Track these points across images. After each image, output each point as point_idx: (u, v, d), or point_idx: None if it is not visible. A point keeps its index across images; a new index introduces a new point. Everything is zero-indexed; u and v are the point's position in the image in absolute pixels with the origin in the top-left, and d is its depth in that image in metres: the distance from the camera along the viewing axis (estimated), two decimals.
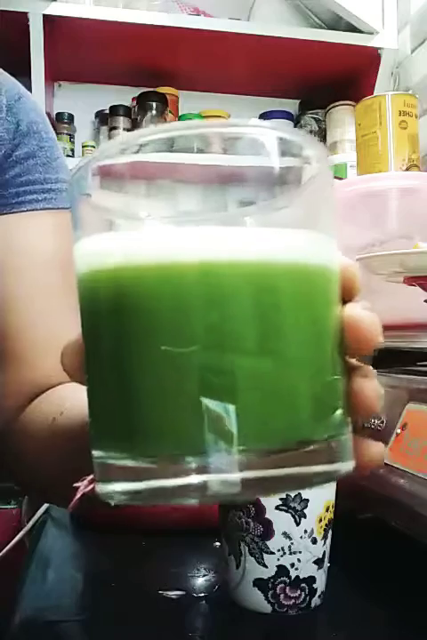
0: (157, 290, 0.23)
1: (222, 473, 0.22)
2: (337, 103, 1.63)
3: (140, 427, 0.24)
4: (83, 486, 0.31)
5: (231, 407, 0.22)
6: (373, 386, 0.27)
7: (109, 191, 0.26)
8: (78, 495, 0.31)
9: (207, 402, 0.22)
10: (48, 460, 0.45)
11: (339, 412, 0.25)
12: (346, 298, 0.27)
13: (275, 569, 0.46)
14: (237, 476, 0.22)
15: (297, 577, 0.46)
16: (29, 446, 0.48)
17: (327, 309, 0.25)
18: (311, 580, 0.46)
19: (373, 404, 0.26)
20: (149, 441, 0.23)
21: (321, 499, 0.46)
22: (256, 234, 0.24)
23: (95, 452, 0.26)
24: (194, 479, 0.22)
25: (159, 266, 0.23)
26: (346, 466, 0.25)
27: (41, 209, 0.54)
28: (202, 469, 0.22)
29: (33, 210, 0.54)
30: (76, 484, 0.31)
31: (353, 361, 0.27)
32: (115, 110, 1.57)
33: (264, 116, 1.67)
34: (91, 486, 0.26)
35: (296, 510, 0.45)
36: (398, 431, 0.50)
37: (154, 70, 1.60)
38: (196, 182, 0.27)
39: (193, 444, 0.23)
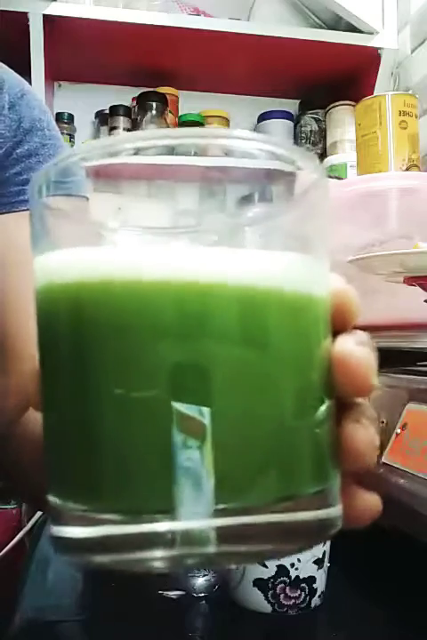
0: (117, 312, 0.20)
1: (195, 527, 0.19)
2: (337, 103, 1.63)
3: (100, 475, 0.20)
4: None
5: (205, 458, 0.19)
6: (366, 434, 0.23)
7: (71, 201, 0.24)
8: None
9: (178, 451, 0.19)
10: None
11: (326, 462, 0.22)
12: (340, 327, 0.23)
13: (275, 569, 0.46)
14: (211, 532, 0.19)
15: (297, 577, 0.46)
16: (28, 448, 0.48)
17: (314, 344, 0.22)
18: (311, 580, 0.46)
19: (364, 455, 0.23)
20: (109, 496, 0.20)
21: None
22: (230, 254, 0.20)
23: (50, 496, 0.22)
24: (161, 530, 0.19)
25: (119, 284, 0.20)
26: (333, 519, 0.22)
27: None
28: (171, 532, 0.19)
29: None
30: None
31: (348, 400, 0.24)
32: (115, 110, 1.57)
33: (264, 116, 1.67)
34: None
35: None
36: (398, 431, 0.50)
37: (154, 70, 1.60)
38: (177, 187, 0.25)
39: (162, 499, 0.19)
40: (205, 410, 0.19)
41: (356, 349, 0.23)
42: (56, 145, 0.56)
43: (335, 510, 0.22)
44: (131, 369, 0.20)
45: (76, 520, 0.21)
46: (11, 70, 0.57)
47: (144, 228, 0.24)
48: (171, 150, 0.21)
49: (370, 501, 0.25)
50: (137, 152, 0.21)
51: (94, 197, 0.24)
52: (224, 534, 0.19)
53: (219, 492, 0.19)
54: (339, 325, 0.23)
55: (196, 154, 0.21)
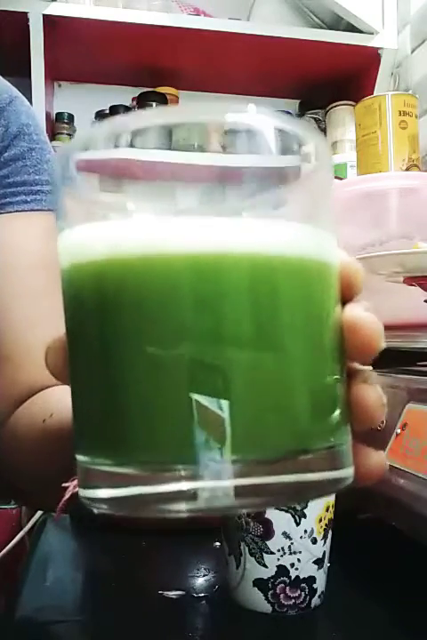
0: (143, 284, 0.21)
1: (214, 483, 0.21)
2: (337, 103, 1.63)
3: (127, 432, 0.22)
4: (71, 486, 0.31)
5: (224, 413, 0.21)
6: (374, 393, 0.25)
7: (96, 179, 0.24)
8: (67, 496, 0.31)
9: (199, 407, 0.21)
10: (37, 463, 0.45)
11: (338, 419, 0.24)
12: (347, 297, 0.25)
13: (275, 569, 0.46)
14: (229, 485, 0.21)
15: (297, 577, 0.46)
16: (18, 449, 0.48)
17: (326, 308, 0.24)
18: (311, 580, 0.46)
19: (374, 412, 0.25)
20: (135, 447, 0.22)
21: (321, 499, 0.46)
22: (250, 225, 0.22)
23: (79, 457, 0.24)
24: (184, 489, 0.21)
25: (146, 258, 0.21)
26: (345, 476, 0.24)
27: (29, 210, 0.54)
28: (192, 479, 0.21)
29: (21, 211, 0.54)
30: (64, 484, 0.30)
31: (355, 365, 0.26)
32: (115, 110, 1.57)
33: None
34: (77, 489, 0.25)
35: (296, 510, 0.45)
36: (398, 431, 0.50)
37: (154, 70, 1.60)
38: (190, 177, 0.26)
39: (183, 452, 0.21)
40: (226, 369, 0.21)
41: (364, 314, 0.24)
42: (44, 149, 0.56)
43: (347, 469, 0.24)
44: (155, 332, 0.21)
45: (102, 476, 0.23)
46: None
47: (165, 206, 0.25)
48: (200, 130, 0.23)
49: (377, 459, 0.26)
50: (135, 134, 0.22)
51: (116, 180, 0.25)
52: (242, 489, 0.21)
53: (237, 443, 0.21)
54: (346, 295, 0.25)
55: (203, 130, 0.23)
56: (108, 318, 0.22)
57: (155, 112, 0.22)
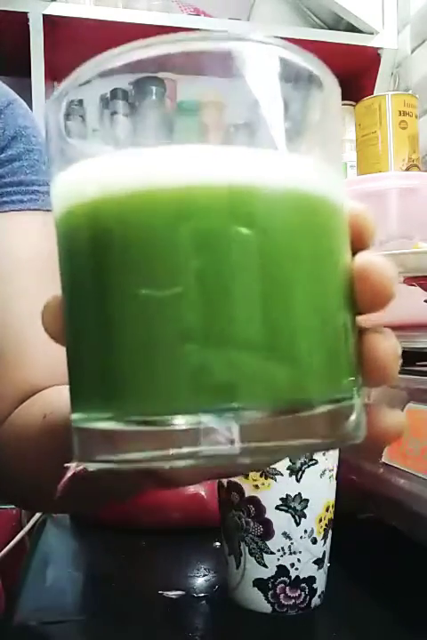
0: (137, 223, 0.20)
1: (217, 433, 0.19)
2: None
3: (124, 383, 0.21)
4: (73, 466, 0.31)
5: (226, 360, 0.20)
6: (389, 344, 0.23)
7: (85, 121, 0.24)
8: (69, 474, 0.31)
9: (199, 354, 0.20)
10: (36, 462, 0.45)
11: (349, 371, 0.22)
12: (358, 247, 0.24)
13: (275, 569, 0.46)
14: (235, 436, 0.20)
15: (297, 577, 0.46)
16: (17, 449, 0.48)
17: (334, 250, 0.22)
18: (311, 580, 0.46)
19: (387, 364, 0.23)
20: (134, 399, 0.21)
21: (321, 499, 0.46)
22: (254, 155, 0.20)
23: (74, 415, 0.23)
24: (185, 440, 0.20)
25: (138, 194, 0.20)
26: (356, 433, 0.22)
27: (26, 209, 0.54)
28: (194, 430, 0.20)
29: (18, 210, 0.54)
30: (66, 465, 0.30)
31: (368, 319, 0.24)
32: (114, 94, 1.57)
33: None
34: (81, 466, 0.23)
35: (296, 510, 0.45)
36: None
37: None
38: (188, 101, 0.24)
39: (183, 402, 0.20)
40: (227, 311, 0.20)
41: (376, 260, 0.23)
42: (41, 151, 0.57)
43: (357, 425, 0.22)
44: (151, 275, 0.20)
45: (100, 433, 0.21)
46: None
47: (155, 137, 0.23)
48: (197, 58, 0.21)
49: (394, 418, 0.24)
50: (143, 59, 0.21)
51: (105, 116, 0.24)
52: (247, 440, 0.20)
53: (241, 391, 0.20)
54: (357, 245, 0.24)
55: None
56: (99, 264, 0.21)
57: (151, 42, 0.21)
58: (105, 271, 0.21)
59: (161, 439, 0.20)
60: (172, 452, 0.20)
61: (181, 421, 0.20)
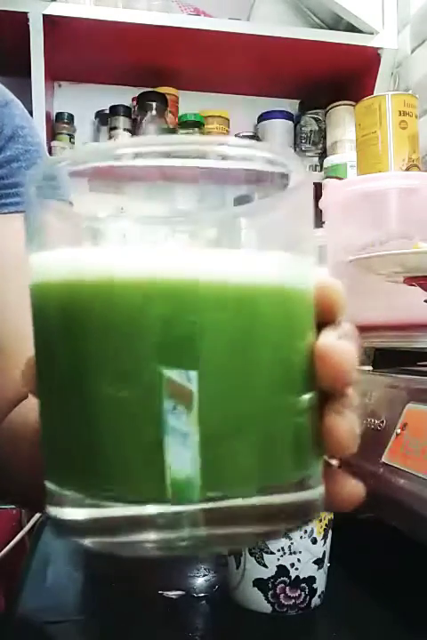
0: (105, 313, 0.21)
1: (183, 525, 0.20)
2: (337, 103, 1.63)
3: (92, 469, 0.21)
4: None
5: (193, 452, 0.20)
6: (346, 424, 0.24)
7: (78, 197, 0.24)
8: None
9: (167, 447, 0.20)
10: (33, 459, 0.45)
11: (308, 450, 0.23)
12: (328, 320, 0.24)
13: (275, 569, 0.46)
14: (200, 527, 0.20)
15: (297, 577, 0.46)
16: (15, 446, 0.48)
17: (297, 338, 0.23)
18: (311, 580, 0.46)
19: (345, 444, 0.24)
20: (103, 482, 0.21)
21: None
22: (216, 254, 0.21)
23: (46, 482, 0.23)
24: (152, 529, 0.20)
25: (103, 287, 0.21)
26: (314, 505, 0.23)
27: (23, 211, 0.54)
28: (160, 522, 0.20)
29: (15, 212, 0.54)
30: None
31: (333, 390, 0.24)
32: (115, 110, 1.57)
33: (264, 116, 1.67)
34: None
35: None
36: (398, 431, 0.50)
37: (154, 70, 1.60)
38: (172, 187, 0.25)
39: (151, 491, 0.20)
40: (193, 406, 0.20)
41: (336, 343, 0.23)
42: (39, 152, 0.57)
43: (317, 494, 0.23)
44: (120, 366, 0.21)
45: (71, 505, 0.22)
46: None
47: (136, 219, 0.24)
48: (165, 155, 0.22)
49: (354, 487, 0.25)
50: (132, 157, 0.22)
51: (91, 198, 0.24)
52: (212, 518, 0.20)
53: (206, 481, 0.20)
54: (326, 318, 0.24)
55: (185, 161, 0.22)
56: (70, 352, 0.21)
57: (146, 140, 0.22)
58: (75, 361, 0.21)
59: (127, 522, 0.21)
60: (137, 537, 0.21)
61: (148, 507, 0.20)
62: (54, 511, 0.23)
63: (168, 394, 0.20)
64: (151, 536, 0.20)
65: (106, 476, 0.21)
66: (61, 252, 0.22)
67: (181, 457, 0.20)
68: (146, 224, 0.23)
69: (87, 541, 0.22)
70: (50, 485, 0.23)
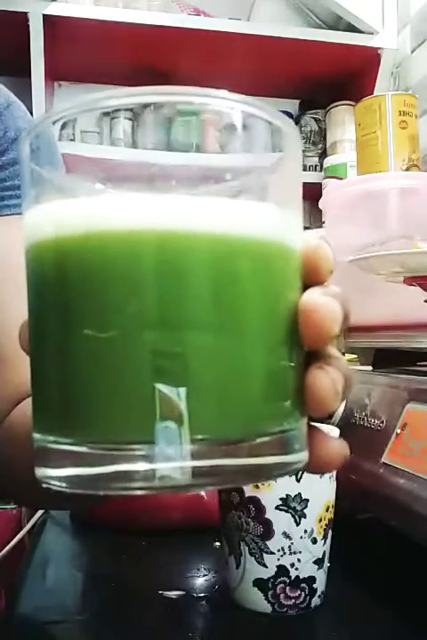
0: (99, 261, 0.21)
1: (172, 461, 0.21)
2: (337, 103, 1.63)
3: (81, 412, 0.22)
4: None
5: (181, 393, 0.21)
6: (327, 380, 0.24)
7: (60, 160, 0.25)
8: None
9: (154, 389, 0.21)
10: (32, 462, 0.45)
11: (292, 404, 0.24)
12: (313, 281, 0.25)
13: (275, 569, 0.46)
14: (186, 464, 0.21)
15: (297, 577, 0.46)
16: (14, 451, 0.48)
17: (284, 292, 0.23)
18: (311, 580, 0.46)
19: (325, 399, 0.24)
20: (90, 428, 0.22)
21: (321, 499, 0.46)
22: (206, 202, 0.22)
23: (35, 435, 0.24)
24: (141, 466, 0.21)
25: (94, 236, 0.21)
26: (297, 459, 0.24)
27: None
28: (150, 457, 0.21)
29: (18, 214, 0.54)
30: None
31: (324, 349, 0.25)
32: (115, 110, 1.57)
33: None
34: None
35: (296, 510, 0.45)
36: (398, 431, 0.50)
37: (154, 70, 1.60)
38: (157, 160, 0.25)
39: (140, 433, 0.21)
40: (181, 351, 0.21)
41: (319, 299, 0.24)
42: None
43: (299, 454, 0.24)
44: (106, 312, 0.21)
45: (57, 456, 0.23)
46: None
47: (124, 185, 0.24)
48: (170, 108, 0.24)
49: (338, 447, 0.26)
50: (118, 109, 0.24)
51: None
52: (198, 469, 0.21)
53: (193, 424, 0.21)
54: (312, 279, 0.25)
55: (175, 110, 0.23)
56: (60, 299, 0.22)
57: (123, 92, 0.23)
58: (63, 308, 0.22)
59: (116, 463, 0.21)
60: (124, 482, 0.21)
61: (136, 450, 0.21)
62: (40, 460, 0.24)
63: (156, 348, 0.21)
64: (136, 470, 0.21)
65: (90, 421, 0.22)
66: (48, 207, 0.23)
67: (168, 403, 0.21)
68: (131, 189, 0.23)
69: (73, 487, 0.23)
70: (37, 435, 0.24)
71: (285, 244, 0.23)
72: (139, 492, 0.21)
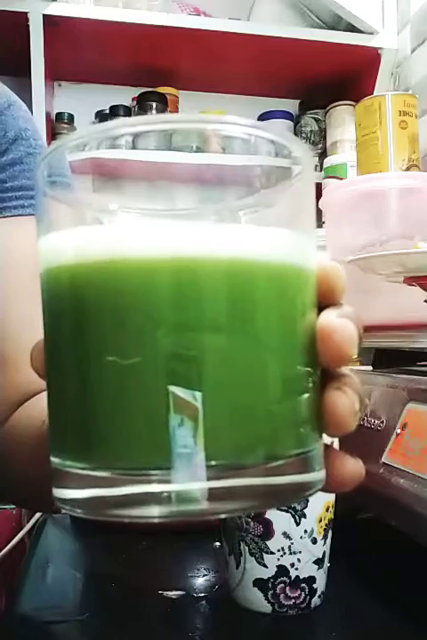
0: (113, 291, 0.21)
1: (187, 487, 0.21)
2: (337, 103, 1.63)
3: (98, 436, 0.22)
4: None
5: (198, 422, 0.21)
6: (345, 401, 0.24)
7: (80, 182, 0.25)
8: None
9: (172, 416, 0.21)
10: (35, 466, 0.45)
11: (310, 426, 0.24)
12: (328, 302, 0.25)
13: (275, 569, 0.46)
14: (202, 489, 0.21)
15: (297, 577, 0.46)
16: (17, 451, 0.48)
17: (300, 315, 0.24)
18: (311, 579, 0.46)
19: (344, 420, 0.24)
20: (107, 452, 0.22)
21: (321, 499, 0.46)
22: (224, 230, 0.22)
23: (53, 458, 0.24)
24: (157, 492, 0.21)
25: (112, 263, 0.21)
26: (315, 481, 0.24)
27: (28, 215, 0.54)
28: (165, 484, 0.21)
29: (19, 215, 0.54)
30: None
31: (333, 370, 0.25)
32: (115, 110, 1.57)
33: (264, 116, 1.67)
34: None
35: (296, 510, 0.45)
36: (398, 431, 0.50)
37: (154, 70, 1.60)
38: (176, 179, 0.26)
39: (156, 460, 0.21)
40: (198, 377, 0.21)
41: (337, 321, 0.24)
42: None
43: (317, 473, 0.24)
44: (126, 338, 0.21)
45: (74, 479, 0.23)
46: None
47: (142, 209, 0.25)
48: (168, 137, 0.23)
49: (354, 467, 0.26)
50: (135, 137, 0.23)
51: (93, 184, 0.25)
52: (215, 494, 0.21)
53: (210, 449, 0.21)
54: (326, 300, 0.25)
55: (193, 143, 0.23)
56: (75, 324, 0.22)
57: (150, 119, 0.23)
58: (81, 333, 0.22)
59: (134, 491, 0.21)
60: (141, 509, 0.21)
61: (153, 475, 0.21)
62: (58, 489, 0.24)
63: (174, 372, 0.21)
64: (154, 510, 0.21)
65: (107, 447, 0.22)
66: (68, 234, 0.23)
67: (185, 429, 0.21)
68: (149, 214, 0.24)
69: (89, 513, 0.23)
70: (54, 460, 0.24)
71: (301, 267, 0.24)
72: (156, 520, 0.21)
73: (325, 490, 0.25)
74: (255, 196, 0.24)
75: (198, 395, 0.21)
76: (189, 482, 0.21)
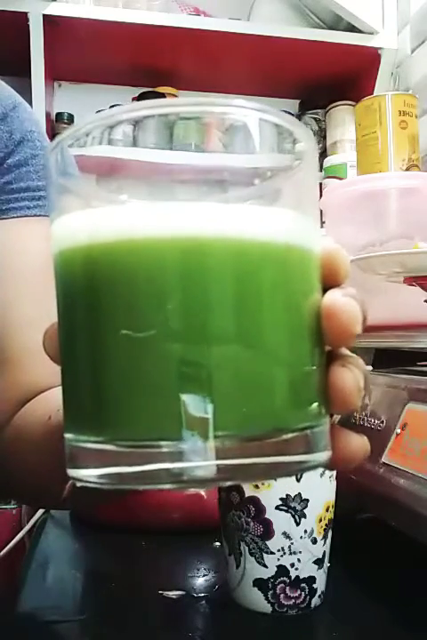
0: (126, 268, 0.22)
1: (198, 458, 0.22)
2: (337, 103, 1.63)
3: (112, 411, 0.23)
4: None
5: (207, 393, 0.22)
6: (351, 377, 0.25)
7: (88, 171, 0.26)
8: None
9: (182, 387, 0.22)
10: (40, 464, 0.45)
11: (315, 402, 0.24)
12: (331, 283, 0.26)
13: (275, 569, 0.46)
14: (212, 462, 0.22)
15: (297, 577, 0.46)
16: (21, 450, 0.48)
17: (306, 294, 0.24)
18: (311, 579, 0.46)
19: (349, 396, 0.25)
20: (121, 426, 0.23)
21: (321, 499, 0.46)
22: (232, 210, 0.23)
23: (67, 435, 0.25)
24: (168, 464, 0.22)
25: (123, 243, 0.22)
26: (321, 457, 0.25)
27: (33, 215, 0.54)
28: (177, 455, 0.22)
29: (25, 216, 0.54)
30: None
31: (336, 350, 0.26)
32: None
33: None
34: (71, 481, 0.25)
35: (296, 510, 0.45)
36: (398, 431, 0.50)
37: (154, 70, 1.60)
38: (181, 171, 0.26)
39: (167, 430, 0.22)
40: (207, 350, 0.22)
41: (342, 299, 0.25)
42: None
43: (322, 451, 0.25)
44: (138, 312, 0.22)
45: (87, 453, 0.24)
46: (2, 82, 0.57)
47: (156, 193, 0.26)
48: (171, 120, 0.24)
49: (359, 443, 0.26)
50: (138, 121, 0.24)
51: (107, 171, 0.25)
52: (224, 464, 0.22)
53: (219, 420, 0.22)
54: (330, 282, 0.25)
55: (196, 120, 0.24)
56: (89, 302, 0.23)
57: (152, 103, 0.23)
58: (93, 311, 0.23)
59: (145, 460, 0.22)
60: (151, 478, 0.22)
61: (163, 447, 0.22)
62: (71, 459, 0.24)
63: (184, 352, 0.22)
64: (164, 467, 0.22)
65: (120, 419, 0.23)
66: (80, 216, 0.24)
67: (196, 401, 0.22)
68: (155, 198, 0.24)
69: (102, 484, 0.23)
70: (68, 435, 0.25)
71: (307, 248, 0.24)
72: (167, 487, 0.22)
73: (331, 467, 0.26)
74: (259, 178, 0.24)
75: (208, 374, 0.22)
76: (199, 451, 0.22)
